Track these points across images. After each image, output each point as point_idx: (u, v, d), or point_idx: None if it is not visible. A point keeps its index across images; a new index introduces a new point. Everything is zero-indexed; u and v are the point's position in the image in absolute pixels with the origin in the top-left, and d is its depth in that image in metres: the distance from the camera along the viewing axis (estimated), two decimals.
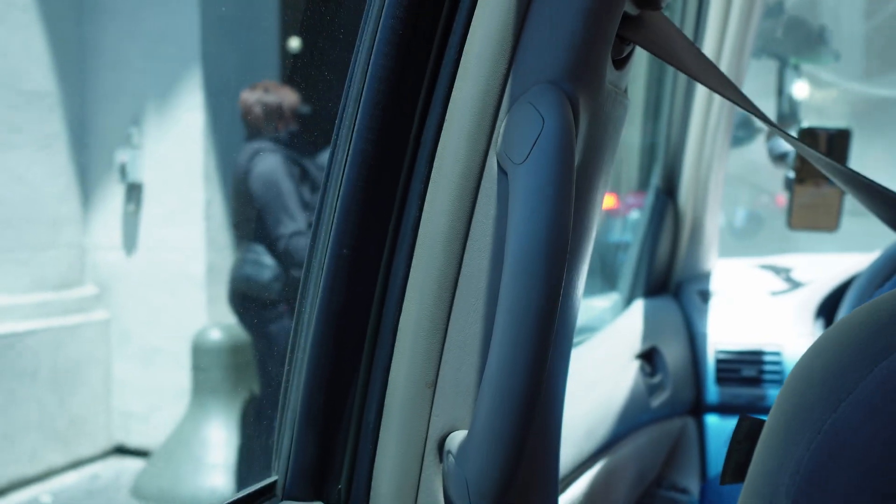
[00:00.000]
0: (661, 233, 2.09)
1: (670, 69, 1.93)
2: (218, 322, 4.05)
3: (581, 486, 1.29)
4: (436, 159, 0.70)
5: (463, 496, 0.66)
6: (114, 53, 4.54)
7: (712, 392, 1.93)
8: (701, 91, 1.90)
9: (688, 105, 1.94)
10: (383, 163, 0.70)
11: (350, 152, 0.70)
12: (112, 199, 4.65)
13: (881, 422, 0.51)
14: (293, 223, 3.31)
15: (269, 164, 3.36)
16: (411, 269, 0.70)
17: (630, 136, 2.33)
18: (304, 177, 3.43)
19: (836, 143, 1.91)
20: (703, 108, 1.94)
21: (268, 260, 3.38)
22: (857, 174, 0.93)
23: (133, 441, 4.68)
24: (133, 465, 4.45)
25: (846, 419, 0.52)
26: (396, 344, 0.70)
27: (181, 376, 3.99)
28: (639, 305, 1.95)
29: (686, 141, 2.00)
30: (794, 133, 1.97)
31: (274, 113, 3.44)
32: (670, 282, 2.13)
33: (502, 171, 0.67)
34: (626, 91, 0.78)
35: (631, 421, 1.56)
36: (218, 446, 3.73)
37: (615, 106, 0.74)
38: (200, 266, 4.47)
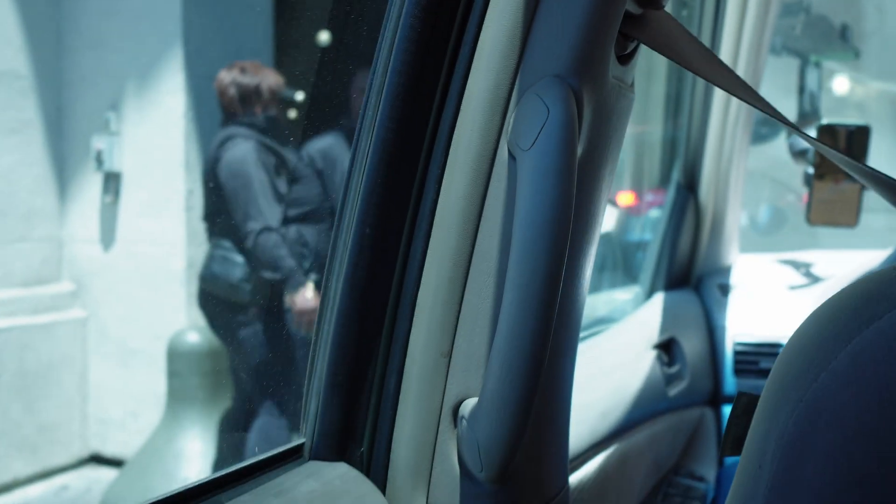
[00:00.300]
0: (683, 227, 2.12)
1: None
2: (197, 323, 3.76)
3: (594, 466, 1.34)
4: (451, 147, 0.76)
5: (475, 458, 0.72)
6: (91, 33, 4.20)
7: (730, 383, 1.97)
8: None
9: (707, 100, 1.98)
10: (403, 150, 0.76)
11: (373, 140, 0.76)
12: (88, 189, 4.34)
13: (856, 390, 0.55)
14: (261, 219, 3.03)
15: (240, 152, 3.08)
16: (429, 248, 0.76)
17: (651, 132, 2.37)
18: (280, 167, 3.17)
19: (855, 139, 1.94)
20: (723, 104, 1.97)
21: (237, 258, 3.13)
22: (875, 171, 0.96)
23: (109, 450, 4.33)
24: (108, 475, 4.06)
25: (825, 388, 0.57)
26: (415, 317, 0.76)
27: (163, 380, 3.68)
28: (659, 298, 1.99)
29: (706, 136, 2.03)
30: (814, 130, 1.99)
31: (251, 95, 3.15)
32: (691, 275, 2.17)
33: (512, 157, 0.73)
34: (632, 85, 0.83)
35: (647, 408, 1.60)
36: (193, 458, 3.44)
37: (619, 99, 0.79)
38: (182, 261, 4.19)
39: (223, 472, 0.69)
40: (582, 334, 1.72)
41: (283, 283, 3.01)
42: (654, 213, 2.19)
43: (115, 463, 4.19)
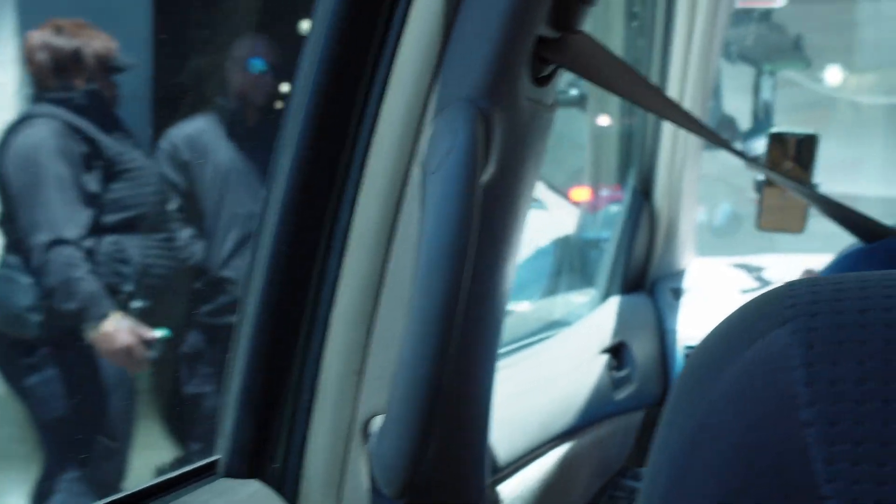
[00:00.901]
0: (638, 232, 2.15)
1: (651, 71, 1.99)
2: None
3: (536, 471, 1.36)
4: (367, 169, 0.78)
5: (382, 474, 0.74)
6: None
7: None
8: (672, 94, 1.96)
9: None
10: (320, 170, 0.78)
11: (290, 160, 0.78)
12: None
13: (738, 408, 0.58)
14: (53, 228, 2.28)
15: (35, 138, 2.32)
16: (343, 267, 0.78)
17: (609, 132, 2.39)
18: (93, 158, 2.38)
19: (803, 147, 1.97)
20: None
21: (23, 279, 2.31)
22: (815, 192, 1.00)
23: None
24: None
25: (711, 406, 0.60)
26: (328, 334, 0.78)
27: None
28: (613, 302, 2.02)
29: (660, 142, 2.06)
30: (764, 137, 2.02)
31: (68, 63, 2.35)
32: (646, 279, 2.20)
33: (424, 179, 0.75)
34: (552, 105, 0.85)
35: (593, 412, 1.63)
36: None
37: (534, 120, 0.81)
38: None
39: (132, 491, 0.70)
40: (532, 339, 1.75)
41: (80, 313, 2.31)
42: (614, 208, 2.23)
43: None
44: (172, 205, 2.49)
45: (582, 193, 3.33)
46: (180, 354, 2.67)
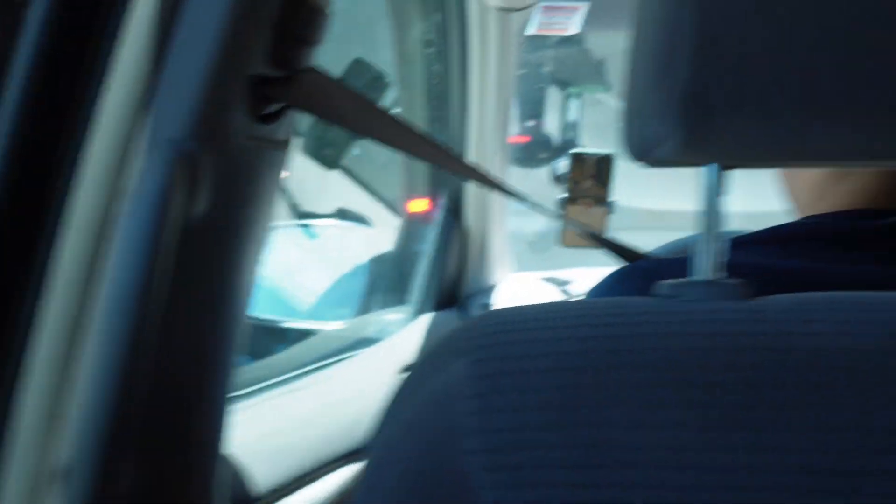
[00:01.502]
0: (450, 248, 2.18)
1: (452, 96, 2.02)
2: None
3: (311, 495, 1.35)
4: (69, 209, 0.74)
5: None
6: None
7: None
8: (474, 119, 2.00)
9: (463, 132, 2.04)
10: (19, 211, 0.73)
11: None
12: None
13: (416, 436, 0.59)
14: None
15: None
16: (42, 310, 0.74)
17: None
18: None
19: (602, 167, 2.05)
20: (478, 134, 2.04)
21: None
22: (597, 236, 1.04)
23: None
24: None
25: (392, 436, 0.61)
26: (23, 380, 0.73)
27: None
28: (423, 319, 2.03)
29: (466, 155, 2.10)
30: (567, 156, 2.09)
31: None
32: (459, 296, 2.23)
33: None
34: (284, 141, 0.83)
35: None
36: None
37: (258, 159, 0.80)
38: None
39: None
40: (335, 359, 1.73)
41: None
42: None
43: None
44: None
45: (420, 205, 3.35)
46: None
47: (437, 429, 0.58)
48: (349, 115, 0.87)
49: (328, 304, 2.20)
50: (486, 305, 2.19)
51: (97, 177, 0.74)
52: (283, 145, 0.84)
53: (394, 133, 0.91)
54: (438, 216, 2.20)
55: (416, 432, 0.61)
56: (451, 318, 2.13)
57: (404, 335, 1.93)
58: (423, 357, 0.66)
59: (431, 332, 1.97)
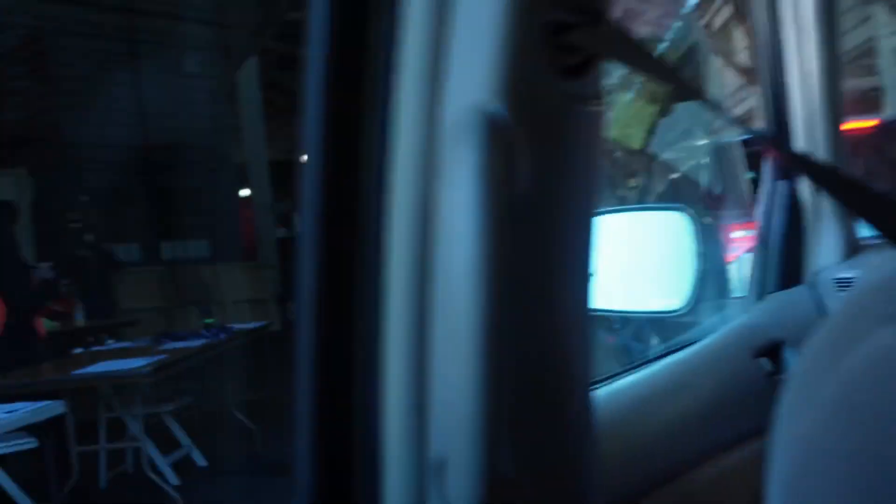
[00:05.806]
0: (788, 227, 2.01)
1: None
2: None
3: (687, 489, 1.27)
4: (388, 201, 0.73)
5: None
6: None
7: None
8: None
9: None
10: (338, 203, 0.74)
11: (306, 201, 0.75)
12: None
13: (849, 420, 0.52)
14: None
15: None
16: (385, 291, 0.74)
17: None
18: None
19: None
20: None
21: None
22: None
23: None
24: None
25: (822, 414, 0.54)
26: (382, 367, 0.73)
27: None
28: (770, 300, 1.87)
29: None
30: None
31: None
32: (801, 273, 2.03)
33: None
34: (597, 96, 0.76)
35: (748, 425, 1.50)
36: None
37: (574, 119, 0.73)
38: None
39: None
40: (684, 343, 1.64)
41: None
42: None
43: None
44: None
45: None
46: None
47: (869, 410, 0.47)
48: (644, 63, 0.76)
49: (668, 293, 2.08)
50: (844, 279, 1.97)
51: (408, 161, 0.71)
52: (597, 101, 0.75)
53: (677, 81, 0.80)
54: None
55: (845, 416, 0.49)
56: (802, 295, 1.94)
57: (751, 318, 1.79)
58: (828, 331, 0.54)
59: (785, 311, 1.81)
